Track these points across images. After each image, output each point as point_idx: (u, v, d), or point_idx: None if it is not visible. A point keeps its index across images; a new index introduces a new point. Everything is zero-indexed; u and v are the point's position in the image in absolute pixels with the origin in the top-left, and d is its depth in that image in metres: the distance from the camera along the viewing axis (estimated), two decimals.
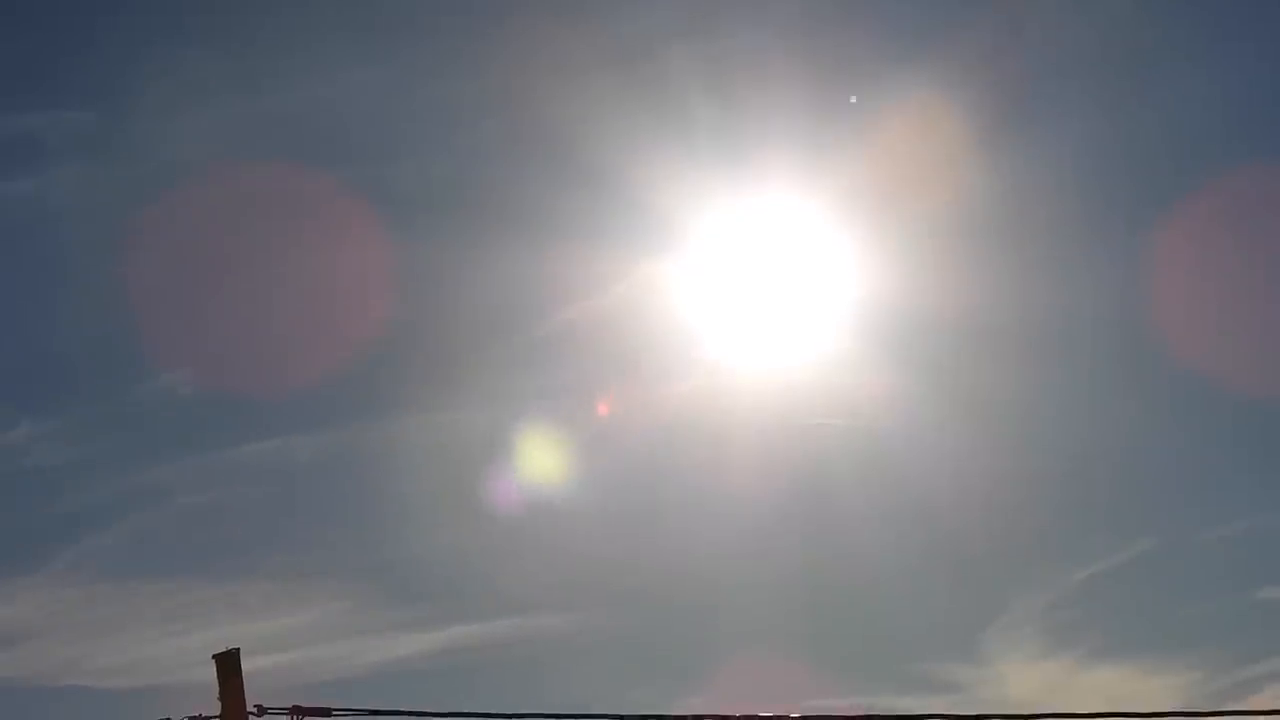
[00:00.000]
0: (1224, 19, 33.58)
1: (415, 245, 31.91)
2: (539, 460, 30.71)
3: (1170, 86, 33.61)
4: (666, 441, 31.77)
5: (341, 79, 33.33)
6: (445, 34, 32.80)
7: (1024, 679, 30.83)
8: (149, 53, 32.84)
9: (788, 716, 14.40)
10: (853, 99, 30.19)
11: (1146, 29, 32.69)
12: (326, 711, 13.78)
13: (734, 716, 14.46)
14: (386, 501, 31.38)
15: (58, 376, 33.99)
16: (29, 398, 33.61)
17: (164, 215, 30.99)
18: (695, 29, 31.73)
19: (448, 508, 30.76)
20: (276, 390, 31.71)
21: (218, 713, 13.76)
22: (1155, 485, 34.38)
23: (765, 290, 31.02)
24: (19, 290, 34.50)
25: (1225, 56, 33.84)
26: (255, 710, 13.71)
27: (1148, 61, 33.38)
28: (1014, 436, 32.45)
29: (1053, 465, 32.47)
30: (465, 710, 14.04)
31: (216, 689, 13.76)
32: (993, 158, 30.87)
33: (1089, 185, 33.03)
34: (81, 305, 33.28)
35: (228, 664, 13.79)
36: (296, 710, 13.69)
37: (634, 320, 31.44)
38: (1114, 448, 33.05)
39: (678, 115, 30.88)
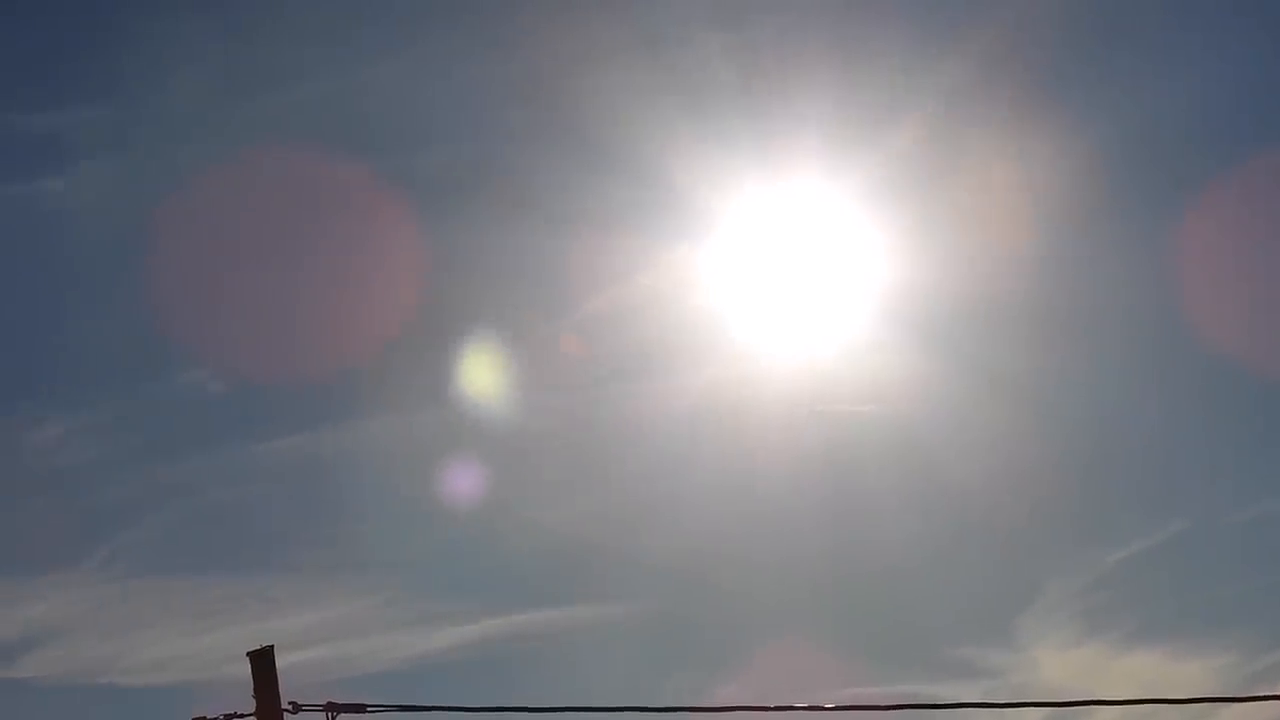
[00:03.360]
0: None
1: (441, 235, 31.86)
2: (568, 449, 30.69)
3: (1198, 71, 33.46)
4: (695, 428, 31.74)
5: (366, 67, 33.31)
6: (471, 20, 32.75)
7: (1059, 664, 30.75)
8: (171, 47, 32.81)
9: (822, 707, 14.27)
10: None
11: (1176, 13, 32.57)
12: (361, 707, 13.72)
13: (768, 707, 14.34)
14: (416, 494, 31.34)
15: (86, 374, 34.03)
16: (57, 396, 33.65)
17: (189, 210, 31.00)
18: (723, 15, 31.62)
19: (476, 499, 30.72)
20: (304, 384, 31.72)
21: (252, 710, 13.73)
22: (1187, 467, 34.22)
23: (793, 277, 30.97)
24: (46, 288, 34.54)
25: (1256, 40, 33.63)
26: (290, 707, 13.66)
27: (1177, 45, 33.26)
28: (1044, 421, 32.37)
29: (1084, 449, 32.42)
30: (500, 704, 14.01)
31: (251, 686, 13.73)
32: (1021, 143, 30.71)
33: (1117, 170, 32.88)
34: (109, 302, 33.33)
35: (262, 661, 13.75)
36: (331, 707, 13.62)
37: (662, 307, 31.41)
38: (1145, 431, 32.95)
39: (705, 101, 30.82)
